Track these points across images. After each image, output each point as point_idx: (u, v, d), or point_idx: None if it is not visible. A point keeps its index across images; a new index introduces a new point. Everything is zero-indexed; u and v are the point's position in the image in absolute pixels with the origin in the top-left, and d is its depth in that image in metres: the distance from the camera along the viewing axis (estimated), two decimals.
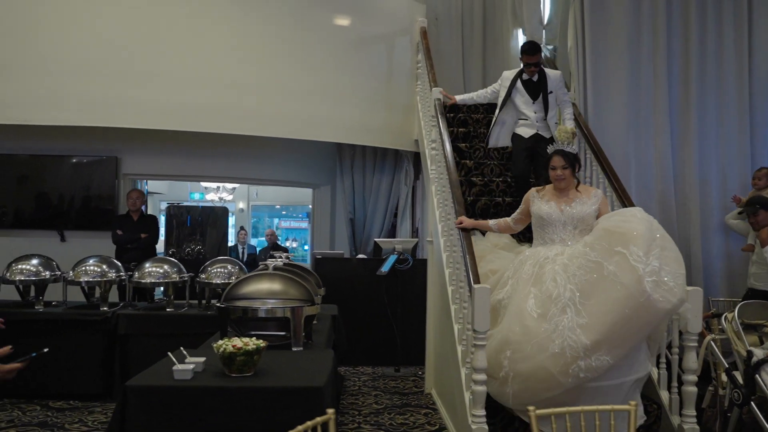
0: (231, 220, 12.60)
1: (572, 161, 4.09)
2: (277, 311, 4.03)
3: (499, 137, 5.71)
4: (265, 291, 4.17)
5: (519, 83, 5.49)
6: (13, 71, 6.36)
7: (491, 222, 4.58)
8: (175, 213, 8.77)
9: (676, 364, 4.03)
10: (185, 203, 11.39)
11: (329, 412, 2.14)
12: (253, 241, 13.29)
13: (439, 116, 5.79)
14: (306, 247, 15.25)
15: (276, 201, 16.08)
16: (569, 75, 6.42)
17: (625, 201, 4.80)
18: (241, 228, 11.90)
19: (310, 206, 15.57)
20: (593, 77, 6.22)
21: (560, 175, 4.05)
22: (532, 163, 5.51)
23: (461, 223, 4.47)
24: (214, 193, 13.10)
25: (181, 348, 3.50)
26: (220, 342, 3.24)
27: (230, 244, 10.80)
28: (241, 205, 14.68)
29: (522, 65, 5.50)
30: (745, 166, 6.09)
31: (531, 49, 5.43)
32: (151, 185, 9.35)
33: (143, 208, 7.26)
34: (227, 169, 8.27)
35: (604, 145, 5.57)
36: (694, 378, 3.81)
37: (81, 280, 5.72)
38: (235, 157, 8.05)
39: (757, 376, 3.88)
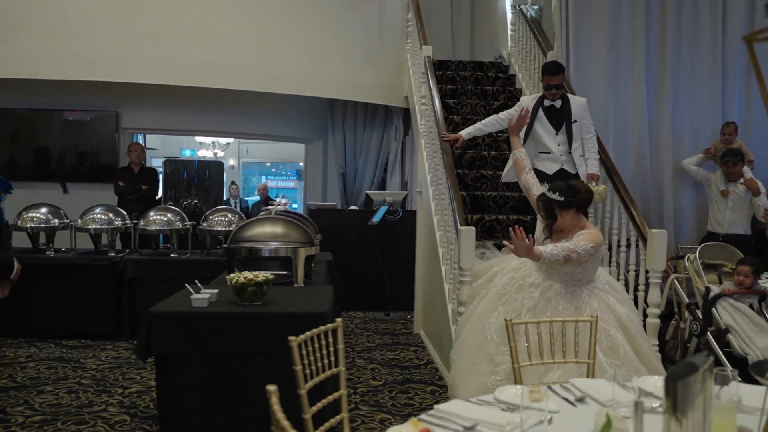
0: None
1: (551, 212, 3.42)
2: (280, 251, 4.40)
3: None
4: (268, 234, 4.52)
5: (541, 111, 4.84)
6: (15, 28, 6.59)
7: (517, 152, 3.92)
8: (172, 168, 9.04)
9: (642, 300, 4.45)
10: (180, 158, 11.62)
11: (338, 321, 2.50)
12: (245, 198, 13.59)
13: (429, 73, 6.09)
14: (294, 206, 15.53)
15: (266, 158, 16.34)
16: (552, 35, 6.70)
17: (605, 161, 5.07)
18: (233, 183, 12.18)
19: (300, 164, 15.85)
20: (576, 37, 6.52)
21: (567, 226, 3.37)
22: None
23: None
24: (205, 149, 13.34)
25: (196, 281, 3.86)
26: (233, 275, 3.60)
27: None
28: (232, 162, 14.93)
29: (543, 88, 4.92)
30: (716, 123, 6.45)
31: (553, 68, 4.84)
32: (146, 141, 9.59)
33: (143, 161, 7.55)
34: (223, 124, 8.56)
35: None
36: (657, 311, 4.22)
37: (89, 227, 6.05)
38: (230, 113, 8.33)
39: (713, 309, 4.31)
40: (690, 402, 1.33)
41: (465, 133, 5.17)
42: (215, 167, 9.43)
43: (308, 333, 2.28)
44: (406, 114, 8.71)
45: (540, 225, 3.79)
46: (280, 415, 1.49)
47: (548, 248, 3.14)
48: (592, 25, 6.55)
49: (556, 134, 4.82)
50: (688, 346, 4.55)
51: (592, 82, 6.47)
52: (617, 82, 6.55)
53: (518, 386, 2.21)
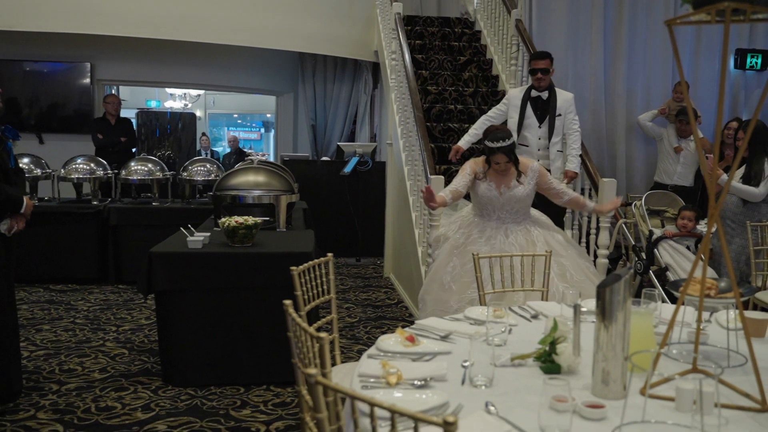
0: None
1: (513, 155, 3.73)
2: (264, 199, 4.73)
3: None
4: (251, 182, 4.85)
5: (527, 103, 4.93)
6: None
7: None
8: (144, 119, 9.18)
9: (593, 243, 4.91)
10: (153, 110, 11.71)
11: (329, 255, 2.86)
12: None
13: (400, 30, 6.37)
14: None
15: (232, 109, 16.40)
16: None
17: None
18: (203, 134, 12.32)
19: (268, 115, 15.95)
20: None
21: (502, 169, 3.71)
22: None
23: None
24: (173, 100, 13.40)
25: (189, 226, 4.18)
26: (224, 219, 3.93)
27: None
28: (198, 113, 15.00)
29: (529, 73, 5.04)
30: (667, 81, 6.90)
31: (539, 54, 5.05)
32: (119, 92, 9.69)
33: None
34: (195, 76, 8.73)
35: None
36: (606, 252, 4.69)
37: (72, 177, 6.27)
38: (202, 65, 8.50)
39: (655, 250, 4.80)
40: (615, 307, 1.74)
41: (464, 143, 5.10)
42: (187, 119, 9.61)
43: (306, 264, 2.63)
44: (376, 68, 8.98)
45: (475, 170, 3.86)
46: (298, 319, 1.84)
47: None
48: None
49: (539, 126, 4.91)
50: (633, 283, 5.05)
51: (553, 40, 6.83)
52: (576, 41, 6.92)
53: (484, 307, 2.62)
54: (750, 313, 2.41)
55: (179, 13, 7.18)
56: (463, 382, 1.82)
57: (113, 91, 8.76)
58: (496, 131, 3.66)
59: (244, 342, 3.80)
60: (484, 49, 7.45)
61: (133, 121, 8.92)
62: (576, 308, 1.89)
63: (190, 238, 3.84)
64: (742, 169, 4.56)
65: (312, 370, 1.39)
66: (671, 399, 1.68)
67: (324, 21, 8.05)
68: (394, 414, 1.27)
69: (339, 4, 8.17)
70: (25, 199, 3.50)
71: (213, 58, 8.34)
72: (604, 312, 1.74)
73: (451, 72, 7.16)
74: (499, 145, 3.59)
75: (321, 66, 9.31)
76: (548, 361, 1.90)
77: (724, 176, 4.41)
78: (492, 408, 1.64)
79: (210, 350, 3.78)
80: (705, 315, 2.57)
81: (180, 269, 3.74)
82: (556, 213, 4.85)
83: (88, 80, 7.89)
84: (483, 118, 5.20)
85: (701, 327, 2.32)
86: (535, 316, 2.50)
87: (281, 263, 3.71)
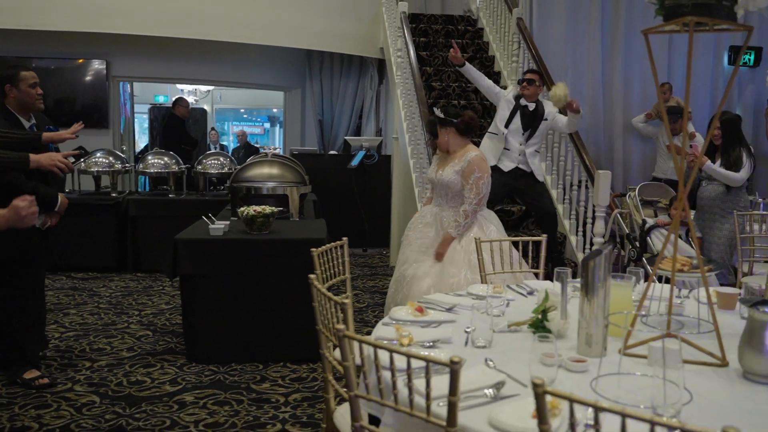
0: None
1: (432, 129, 3.96)
2: (278, 190, 5.02)
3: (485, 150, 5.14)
4: (265, 174, 5.13)
5: (516, 109, 5.14)
6: None
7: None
8: (157, 114, 9.47)
9: (590, 231, 5.19)
10: (166, 105, 11.98)
11: (344, 239, 3.13)
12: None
13: (405, 29, 6.64)
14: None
15: (239, 104, 16.68)
16: None
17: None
18: (212, 129, 12.60)
19: (275, 110, 16.21)
20: None
21: (444, 145, 3.91)
22: (510, 196, 5.48)
23: None
24: (181, 96, 13.69)
25: (210, 215, 4.47)
26: (243, 208, 4.22)
27: None
28: (206, 107, 15.28)
29: (518, 83, 5.30)
30: (662, 78, 7.16)
31: (532, 70, 5.37)
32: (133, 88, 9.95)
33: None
34: (206, 73, 8.99)
35: (545, 56, 6.51)
36: (601, 240, 4.98)
37: (92, 170, 6.55)
38: (213, 62, 8.76)
39: (648, 238, 5.07)
40: (597, 280, 2.02)
41: (468, 65, 5.35)
42: (198, 114, 9.88)
43: (324, 247, 2.91)
44: (381, 64, 9.25)
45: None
46: (323, 290, 2.12)
47: (454, 222, 3.75)
48: None
49: (522, 134, 5.10)
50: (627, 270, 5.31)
51: (553, 37, 7.11)
52: (575, 38, 7.19)
53: (485, 285, 2.90)
54: (722, 289, 2.70)
55: (192, 12, 7.45)
56: (466, 344, 2.11)
57: (127, 88, 9.03)
58: (451, 107, 3.89)
59: (262, 322, 4.09)
60: (486, 46, 7.70)
61: (146, 116, 9.20)
62: (562, 280, 2.18)
63: (212, 226, 4.13)
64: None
65: (341, 326, 1.67)
66: (645, 356, 1.96)
67: (331, 19, 8.31)
68: (410, 358, 1.55)
69: (345, 2, 8.43)
70: (60, 197, 3.76)
71: (224, 54, 8.60)
72: (587, 286, 2.02)
73: (454, 69, 7.40)
74: (435, 113, 3.85)
75: (328, 62, 9.57)
76: (540, 327, 2.18)
77: (709, 162, 4.69)
78: (490, 362, 1.92)
79: (231, 330, 4.07)
80: (684, 292, 2.85)
81: (203, 255, 4.02)
82: (544, 213, 5.12)
83: (104, 76, 8.15)
84: (484, 78, 5.40)
85: (680, 302, 2.62)
86: (531, 293, 2.78)
87: (296, 249, 4.00)
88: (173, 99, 8.86)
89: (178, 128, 8.04)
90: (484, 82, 5.40)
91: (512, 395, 1.71)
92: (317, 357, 3.94)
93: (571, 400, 1.30)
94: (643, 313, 2.40)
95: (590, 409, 1.26)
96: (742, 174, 4.67)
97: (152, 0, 7.40)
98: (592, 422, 1.27)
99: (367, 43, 8.57)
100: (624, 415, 1.22)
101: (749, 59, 7.37)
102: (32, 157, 3.46)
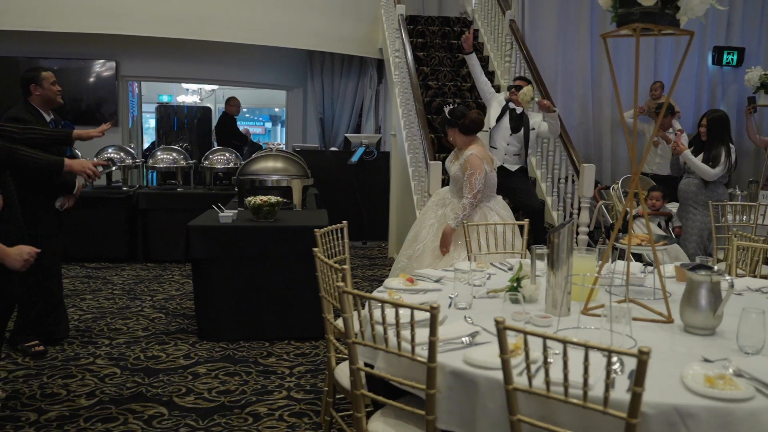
0: None
1: (442, 127, 4.34)
2: (282, 182, 5.34)
3: None
4: (270, 168, 5.45)
5: (504, 111, 5.43)
6: None
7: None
8: (163, 113, 9.77)
9: (576, 220, 5.50)
10: (172, 104, 12.30)
11: (343, 222, 3.44)
12: None
13: (403, 31, 6.95)
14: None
15: (243, 104, 16.95)
16: None
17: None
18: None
19: (276, 109, 16.51)
20: None
21: (451, 140, 4.34)
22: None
23: None
24: (185, 95, 14.01)
25: (219, 204, 4.79)
26: (250, 198, 4.54)
27: None
28: (210, 106, 15.61)
29: (508, 89, 5.61)
30: (649, 77, 7.49)
31: (522, 77, 5.68)
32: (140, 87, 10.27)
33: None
34: (210, 72, 9.31)
35: (537, 56, 6.84)
36: (586, 229, 5.29)
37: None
38: (218, 62, 9.08)
39: (631, 228, 5.39)
40: (561, 252, 2.34)
41: (474, 55, 5.71)
42: (203, 112, 10.19)
43: (326, 228, 3.23)
44: (380, 64, 9.57)
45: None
46: (324, 258, 2.44)
47: (454, 215, 4.09)
48: None
49: (510, 135, 5.35)
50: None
51: (544, 38, 7.43)
52: (566, 39, 7.52)
53: (468, 262, 3.23)
54: (681, 264, 3.02)
55: (198, 14, 7.78)
56: (449, 306, 2.43)
57: (134, 87, 9.35)
58: (459, 107, 4.26)
59: (269, 303, 4.41)
60: (481, 47, 8.02)
61: (153, 115, 9.50)
62: (533, 252, 2.51)
63: (221, 214, 4.45)
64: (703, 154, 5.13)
65: (340, 283, 2.00)
66: (600, 315, 2.28)
67: (332, 20, 8.64)
68: (397, 308, 1.88)
69: (346, 4, 8.75)
70: (78, 183, 4.19)
71: (228, 55, 8.92)
72: (552, 257, 2.35)
73: (450, 68, 7.74)
74: (444, 113, 4.25)
75: (329, 62, 9.90)
76: (515, 291, 2.50)
77: (687, 151, 5.01)
78: (469, 319, 2.25)
79: (239, 310, 4.39)
80: (650, 268, 3.17)
81: (213, 240, 4.35)
82: (532, 210, 5.41)
83: (113, 76, 8.47)
84: (482, 75, 5.74)
85: (643, 275, 2.94)
86: (510, 269, 3.10)
87: (300, 236, 4.33)
88: (225, 98, 9.27)
89: (230, 126, 8.45)
90: (482, 78, 5.75)
91: (485, 342, 2.03)
92: (320, 335, 4.30)
93: (525, 333, 1.63)
94: (607, 284, 2.73)
95: (542, 350, 1.59)
96: (717, 170, 4.98)
97: (159, 2, 7.72)
98: (546, 361, 1.59)
99: (366, 44, 8.89)
100: (564, 342, 1.54)
101: (732, 59, 7.70)
102: (66, 161, 3.86)
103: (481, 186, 4.09)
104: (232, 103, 8.82)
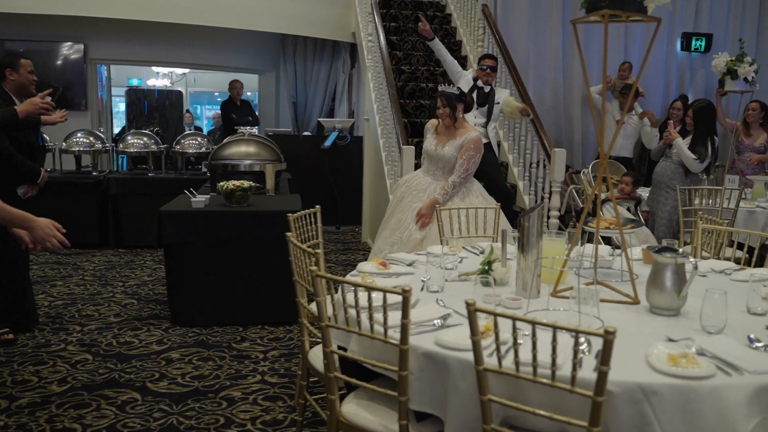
0: None
1: (452, 102, 4.13)
2: (254, 166, 5.32)
3: None
4: (243, 152, 5.43)
5: (475, 90, 5.51)
6: None
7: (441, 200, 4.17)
8: (133, 97, 9.65)
9: (547, 204, 5.57)
10: (142, 88, 12.13)
11: (317, 207, 3.45)
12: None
13: (376, 15, 6.93)
14: None
15: (212, 87, 16.81)
16: None
17: (523, 95, 6.09)
18: (187, 111, 12.79)
19: (248, 93, 16.34)
20: None
21: (441, 114, 4.17)
22: None
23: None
24: (155, 78, 13.82)
25: (191, 189, 4.76)
26: (223, 183, 4.52)
27: None
28: (181, 90, 15.42)
29: (478, 68, 5.65)
30: (618, 60, 7.56)
31: (490, 55, 5.73)
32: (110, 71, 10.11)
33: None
34: (182, 55, 9.21)
35: (509, 41, 6.86)
36: (557, 213, 5.36)
37: (74, 149, 6.78)
38: (189, 45, 8.98)
39: (600, 212, 5.47)
40: (532, 235, 2.38)
41: (437, 40, 5.91)
42: (174, 96, 10.09)
43: (299, 213, 3.23)
44: (353, 48, 9.53)
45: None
46: (298, 243, 2.45)
47: (443, 191, 4.09)
48: None
49: (476, 108, 5.42)
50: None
51: (516, 24, 7.45)
52: (538, 24, 7.55)
53: (440, 246, 3.26)
54: (647, 247, 3.08)
55: None
56: (422, 290, 2.46)
57: (103, 71, 9.21)
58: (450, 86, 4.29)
59: (242, 288, 4.41)
60: (454, 32, 8.03)
61: (123, 99, 9.38)
62: (504, 235, 2.54)
63: (193, 199, 4.43)
64: (689, 140, 5.18)
65: (314, 267, 2.01)
66: (569, 297, 2.33)
67: (305, 4, 8.58)
68: (370, 291, 1.90)
69: None
70: (42, 171, 4.17)
71: (199, 38, 8.82)
72: (522, 241, 2.38)
73: (423, 53, 7.74)
74: (442, 88, 4.19)
75: (302, 46, 9.84)
76: (485, 275, 2.54)
77: (678, 139, 5.07)
78: (441, 302, 2.28)
79: (212, 295, 4.39)
80: (618, 251, 3.23)
81: (186, 225, 4.32)
82: (499, 190, 5.48)
83: (81, 59, 8.33)
84: (450, 57, 5.97)
85: (612, 258, 3.00)
86: (482, 252, 3.14)
87: (273, 220, 4.33)
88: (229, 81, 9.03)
89: (231, 110, 8.35)
90: (448, 58, 5.95)
91: (456, 324, 2.06)
92: (293, 320, 4.32)
93: (495, 314, 1.66)
94: (576, 266, 2.78)
95: (512, 331, 1.62)
96: (705, 164, 5.07)
97: None
98: (516, 342, 1.63)
99: (339, 28, 8.84)
100: (533, 323, 1.58)
101: (700, 45, 7.81)
102: (18, 108, 3.85)
103: (473, 170, 4.16)
104: (233, 86, 8.59)
